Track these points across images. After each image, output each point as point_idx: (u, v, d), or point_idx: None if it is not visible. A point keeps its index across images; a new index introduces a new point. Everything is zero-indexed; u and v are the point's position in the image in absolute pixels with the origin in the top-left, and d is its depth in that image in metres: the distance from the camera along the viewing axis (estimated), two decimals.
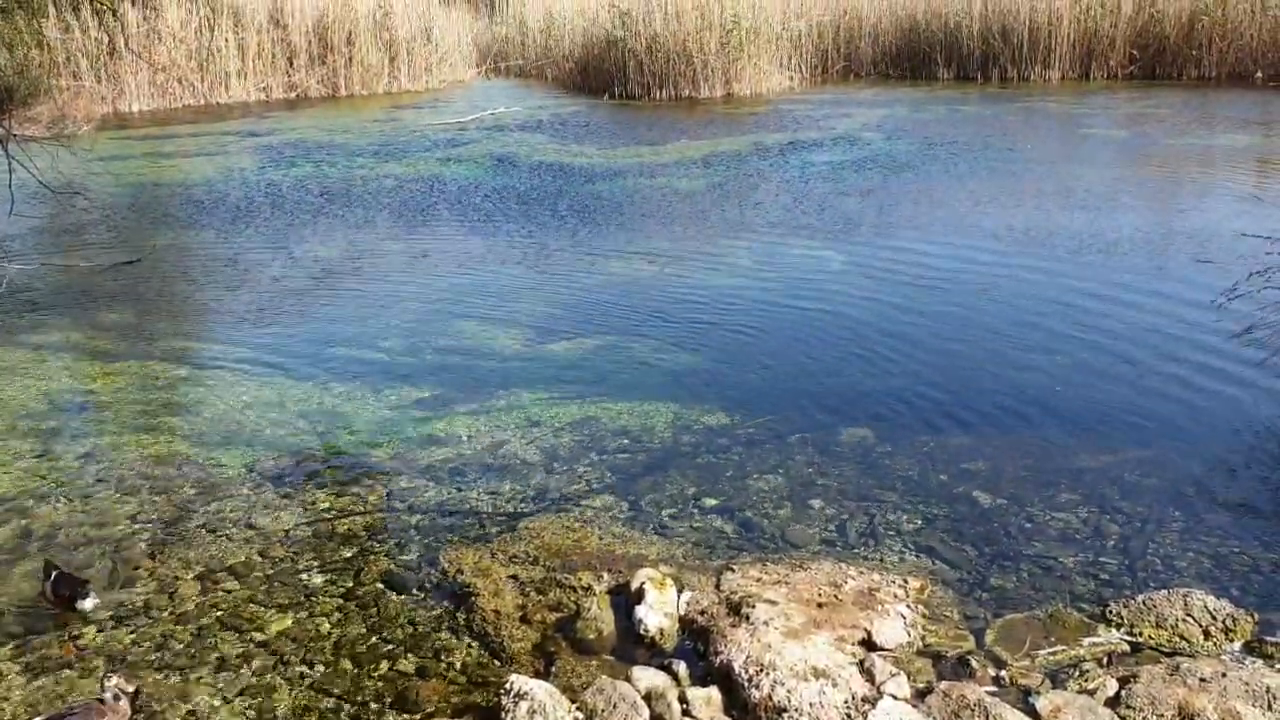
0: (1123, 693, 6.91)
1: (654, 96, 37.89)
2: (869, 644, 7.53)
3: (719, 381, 12.78)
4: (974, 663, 7.37)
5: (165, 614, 8.19)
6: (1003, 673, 7.28)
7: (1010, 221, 19.66)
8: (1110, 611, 7.91)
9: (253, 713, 7.10)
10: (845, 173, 24.61)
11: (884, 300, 15.53)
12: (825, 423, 11.50)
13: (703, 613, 7.98)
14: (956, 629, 7.86)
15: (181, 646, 7.83)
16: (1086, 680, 7.14)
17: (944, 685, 6.92)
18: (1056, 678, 7.26)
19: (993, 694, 6.84)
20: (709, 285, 16.58)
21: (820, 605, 7.92)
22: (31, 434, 11.48)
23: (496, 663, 7.67)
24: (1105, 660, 7.41)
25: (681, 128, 31.95)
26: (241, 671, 7.54)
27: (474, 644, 7.90)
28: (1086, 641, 7.61)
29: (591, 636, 7.87)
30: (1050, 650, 7.53)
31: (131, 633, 7.95)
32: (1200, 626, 7.63)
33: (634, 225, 20.49)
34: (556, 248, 19.07)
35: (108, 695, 6.79)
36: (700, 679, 7.31)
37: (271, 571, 8.83)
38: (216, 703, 7.22)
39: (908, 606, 7.96)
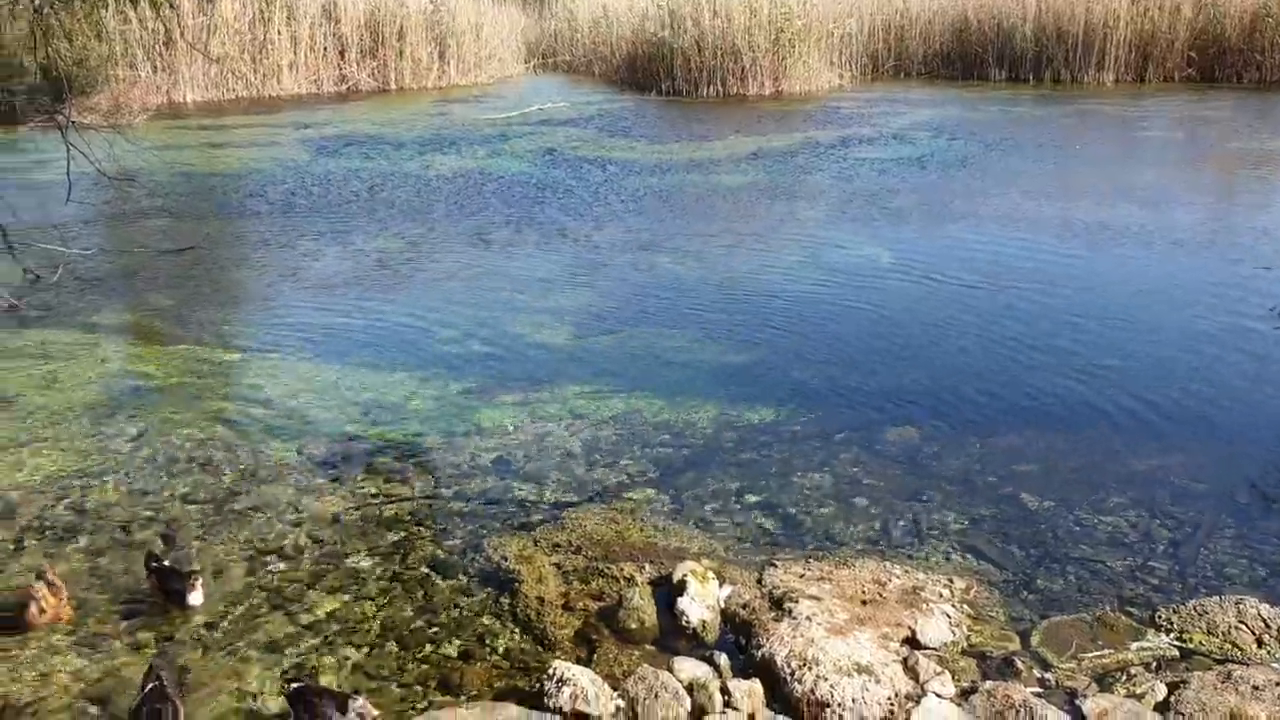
0: (1172, 698, 6.83)
1: (702, 93, 37.84)
2: (913, 642, 7.49)
3: (764, 378, 12.75)
4: (1019, 664, 7.31)
5: (214, 594, 8.31)
6: (1048, 674, 7.21)
7: (1064, 221, 19.43)
8: (1159, 616, 7.81)
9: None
10: (896, 170, 24.45)
11: (933, 298, 15.42)
12: (871, 421, 11.44)
13: (745, 607, 7.97)
14: (1002, 630, 7.80)
15: (229, 626, 7.95)
16: (1134, 684, 7.05)
17: (989, 685, 6.87)
18: (1103, 681, 7.18)
19: (1038, 695, 6.78)
20: (756, 281, 16.54)
21: (864, 602, 7.89)
22: (86, 414, 11.70)
23: (539, 648, 7.72)
24: (1154, 665, 7.32)
25: (730, 124, 31.89)
26: (288, 651, 7.63)
27: (517, 630, 7.95)
28: (1134, 646, 7.52)
29: (633, 626, 7.90)
30: (1097, 653, 7.44)
31: (180, 612, 8.07)
32: (1253, 634, 7.50)
33: (682, 220, 20.49)
34: (603, 241, 19.12)
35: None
36: (742, 671, 7.31)
37: (319, 554, 8.93)
38: (264, 683, 7.32)
39: (953, 606, 7.91)
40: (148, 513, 9.57)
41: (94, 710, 6.98)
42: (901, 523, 9.43)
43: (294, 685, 6.93)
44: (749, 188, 23.27)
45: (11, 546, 8.96)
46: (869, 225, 19.67)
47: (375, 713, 6.84)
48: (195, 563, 8.63)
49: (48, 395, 12.21)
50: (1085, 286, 15.80)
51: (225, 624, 7.96)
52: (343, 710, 6.63)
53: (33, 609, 7.74)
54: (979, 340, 13.70)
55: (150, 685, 6.63)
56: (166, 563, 8.29)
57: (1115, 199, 21.14)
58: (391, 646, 7.71)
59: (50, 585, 7.83)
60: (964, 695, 6.86)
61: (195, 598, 7.95)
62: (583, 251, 18.51)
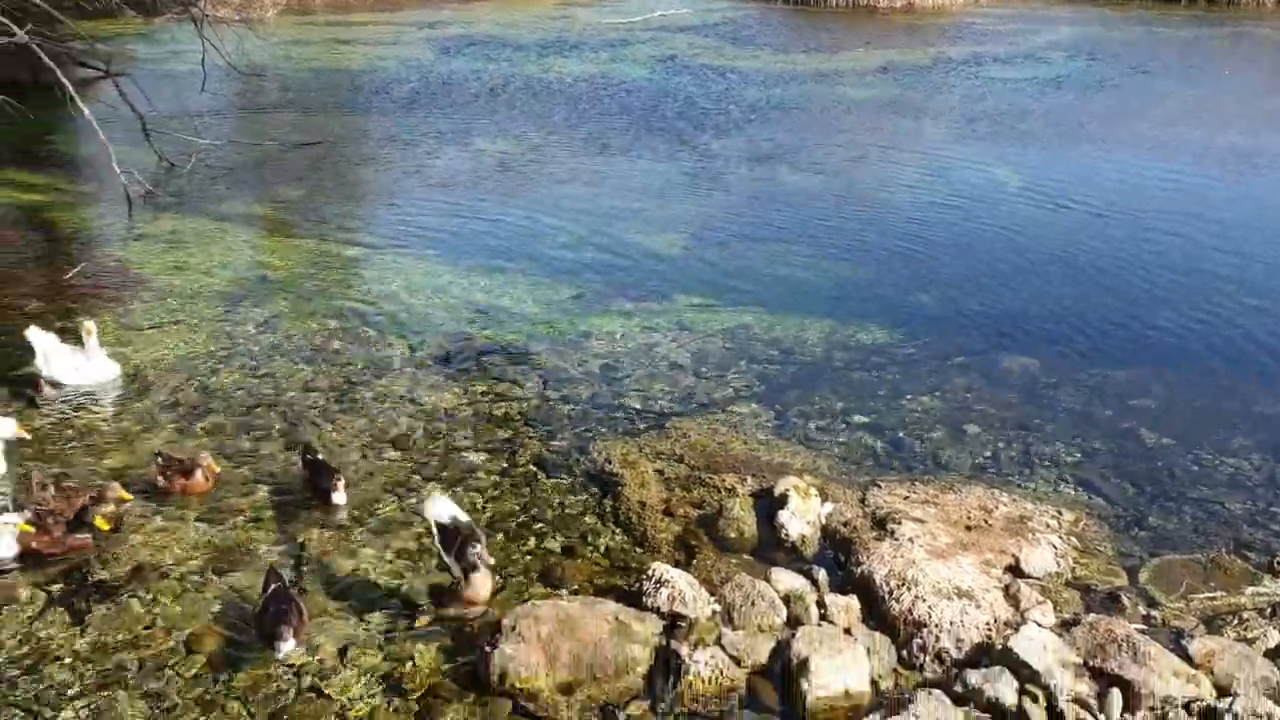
0: None
1: (830, 3, 36.68)
2: (1016, 570, 7.40)
3: (879, 298, 12.54)
4: (1125, 600, 7.17)
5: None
6: (1155, 612, 7.07)
7: (1206, 149, 18.45)
8: (1278, 562, 7.55)
9: (409, 574, 7.48)
10: (1030, 90, 23.45)
11: (1062, 224, 14.87)
12: (988, 348, 11.18)
13: (846, 524, 7.97)
14: (1109, 564, 7.65)
15: (346, 511, 8.26)
16: (1246, 629, 6.86)
17: (1092, 618, 6.76)
18: (1212, 624, 7.00)
19: (1143, 632, 6.65)
20: (878, 198, 16.19)
21: (968, 528, 7.81)
22: (215, 300, 12.16)
23: (639, 550, 7.86)
24: (1269, 611, 7.10)
25: (859, 36, 30.92)
26: (401, 534, 7.92)
27: (618, 531, 8.10)
28: (1249, 590, 7.30)
29: (732, 536, 7.97)
30: (1208, 595, 7.26)
31: (323, 507, 8.40)
32: None
33: (804, 132, 20.07)
34: (723, 151, 18.87)
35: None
36: (839, 588, 7.34)
37: (432, 447, 9.19)
38: (376, 563, 7.62)
39: (1060, 537, 7.77)
40: (270, 395, 9.95)
41: (216, 579, 7.38)
42: (1012, 452, 9.26)
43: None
44: (875, 102, 22.62)
45: (146, 421, 9.42)
46: (998, 146, 18.99)
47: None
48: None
49: (179, 279, 12.71)
50: (1225, 219, 15.04)
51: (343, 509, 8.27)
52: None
53: (199, 475, 8.21)
54: (1107, 270, 13.20)
55: (273, 586, 6.79)
56: (321, 457, 8.47)
57: (1266, 129, 19.94)
58: (498, 537, 7.93)
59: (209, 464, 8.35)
60: (1065, 626, 6.77)
61: (339, 497, 8.12)
62: (701, 161, 18.31)
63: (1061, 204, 15.77)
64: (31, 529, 7.32)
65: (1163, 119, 20.87)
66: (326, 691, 6.39)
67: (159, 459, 8.29)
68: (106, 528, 7.56)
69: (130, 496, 8.02)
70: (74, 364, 9.86)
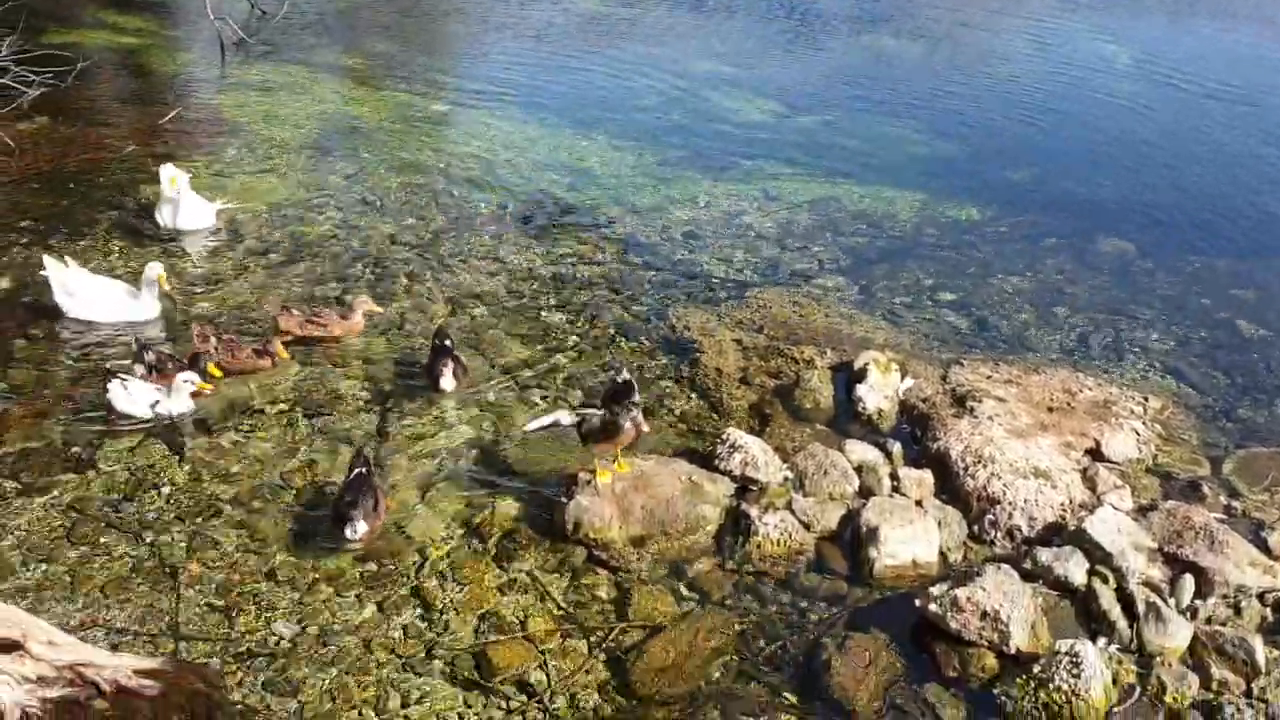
0: None
1: None
2: (1096, 454, 7.32)
3: (974, 174, 12.17)
4: (1206, 489, 7.07)
5: (417, 330, 8.81)
6: (1235, 503, 6.97)
7: None
8: None
9: (488, 423, 7.66)
10: None
11: (1172, 103, 14.19)
12: (1084, 230, 10.84)
13: (925, 400, 7.92)
14: (1192, 453, 7.52)
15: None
16: None
17: (1170, 504, 6.70)
18: None
19: (1222, 521, 6.57)
20: (979, 70, 15.56)
21: (1050, 410, 7.71)
22: (306, 149, 12.26)
23: (714, 416, 7.93)
24: None
25: None
26: (482, 388, 8.08)
27: (694, 396, 8.17)
28: None
29: (808, 406, 7.99)
30: None
31: (388, 342, 8.61)
32: None
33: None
34: (824, 13, 18.22)
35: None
36: (914, 461, 7.34)
37: (514, 304, 9.27)
38: (457, 412, 7.80)
39: (1143, 424, 7.64)
40: (359, 247, 10.09)
41: (307, 422, 7.63)
42: (1102, 336, 9.06)
43: None
44: None
45: (239, 267, 9.64)
46: (1112, 17, 18.04)
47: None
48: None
49: (270, 128, 12.81)
50: None
51: (424, 357, 8.43)
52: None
53: (357, 317, 8.57)
54: (1217, 153, 12.62)
55: (356, 471, 6.76)
56: (448, 343, 8.09)
57: None
58: (575, 396, 8.04)
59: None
60: (1142, 511, 6.72)
61: (446, 382, 7.95)
62: (798, 24, 17.73)
63: (1173, 82, 15.02)
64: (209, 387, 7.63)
65: None
66: (409, 532, 6.65)
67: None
68: (219, 374, 7.78)
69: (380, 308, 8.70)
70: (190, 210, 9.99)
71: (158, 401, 7.44)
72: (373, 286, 9.38)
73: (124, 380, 7.48)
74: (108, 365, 7.85)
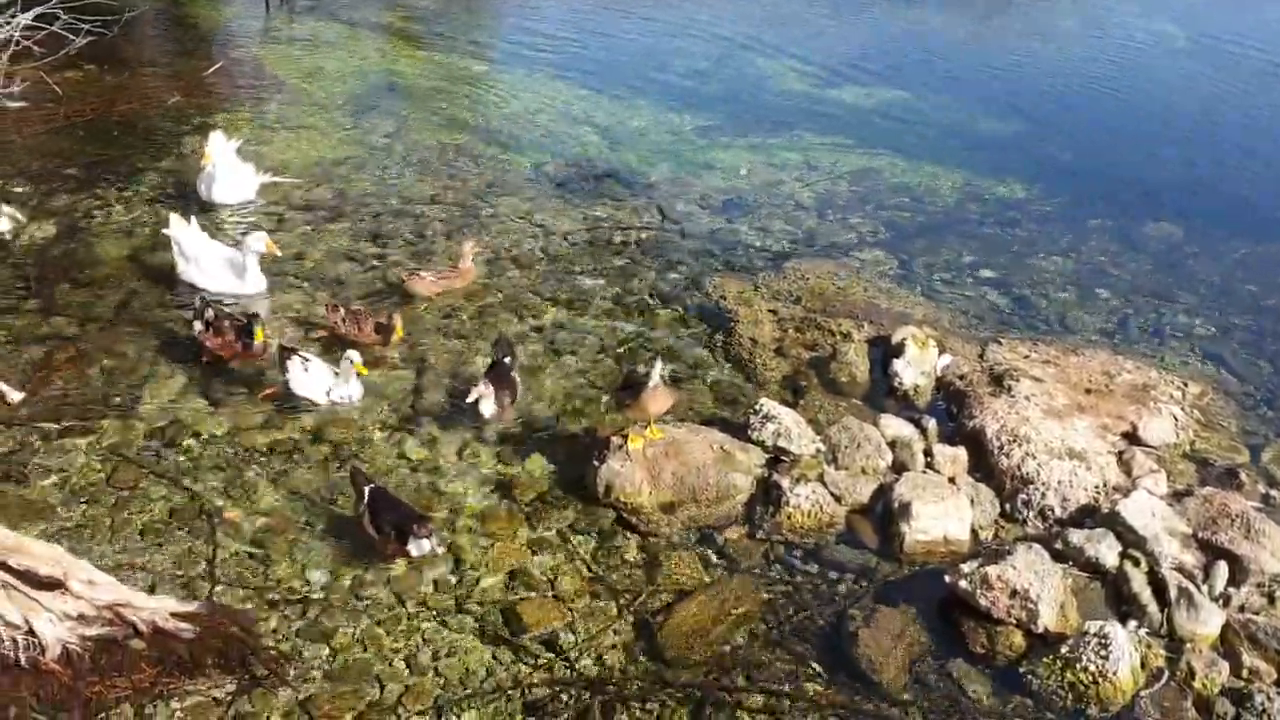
0: None
1: None
2: (1133, 438, 7.25)
3: (1019, 152, 12.01)
4: (1244, 476, 6.98)
5: (448, 289, 8.82)
6: (1274, 492, 6.89)
7: None
8: None
9: (522, 387, 7.67)
10: None
11: (1226, 86, 13.89)
12: (1129, 212, 10.69)
13: (962, 378, 7.87)
14: (1231, 440, 7.44)
15: (465, 320, 8.46)
16: None
17: (1207, 490, 6.64)
18: None
19: (1259, 510, 6.50)
20: (1026, 44, 15.31)
21: (1088, 391, 7.64)
22: (347, 107, 12.27)
23: (747, 385, 7.91)
24: None
25: None
26: (515, 352, 8.08)
27: (728, 365, 8.15)
28: None
29: (844, 380, 7.96)
30: None
31: (425, 301, 8.64)
32: None
33: None
34: None
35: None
36: (948, 438, 7.30)
37: (550, 268, 9.28)
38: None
39: (1182, 409, 7.56)
40: (397, 204, 10.11)
41: None
42: (1143, 319, 8.96)
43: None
44: None
45: (279, 221, 9.68)
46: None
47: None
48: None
49: (312, 84, 12.83)
50: None
51: (461, 315, 8.46)
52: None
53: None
54: (1270, 144, 12.37)
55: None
56: (507, 360, 7.39)
57: None
58: (609, 362, 8.06)
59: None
60: (1177, 497, 6.66)
61: (486, 407, 6.95)
62: None
63: (1229, 61, 14.73)
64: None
65: None
66: (442, 488, 6.70)
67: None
68: (260, 337, 7.47)
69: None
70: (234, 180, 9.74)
71: (331, 389, 7.13)
72: (411, 245, 9.41)
73: (305, 361, 7.17)
74: (283, 342, 7.50)
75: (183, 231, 8.48)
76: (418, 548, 5.96)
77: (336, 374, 7.19)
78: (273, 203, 9.94)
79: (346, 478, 6.48)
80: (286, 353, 7.22)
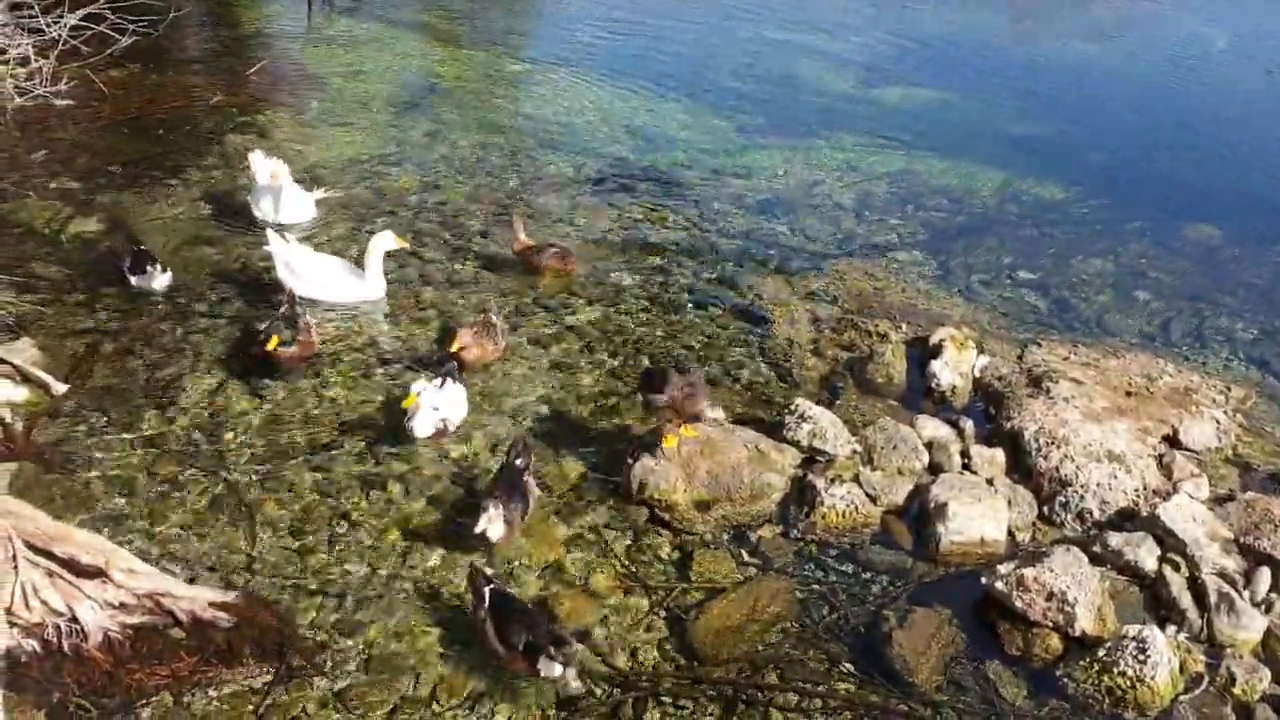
0: None
1: None
2: (1174, 442, 7.17)
3: (1059, 153, 11.89)
4: None
5: (486, 287, 8.87)
6: None
7: None
8: None
9: (556, 385, 7.70)
10: None
11: (1268, 90, 13.71)
12: (1170, 214, 10.56)
13: (1000, 379, 7.81)
14: (1276, 445, 7.34)
15: (505, 316, 8.49)
16: None
17: (1249, 495, 6.55)
18: None
19: None
20: (1067, 46, 15.17)
21: (1128, 394, 7.55)
22: (387, 105, 12.37)
23: (783, 385, 7.89)
24: None
25: None
26: (551, 350, 8.12)
27: (764, 365, 8.13)
28: None
29: (880, 380, 7.92)
30: None
31: (460, 298, 8.69)
32: None
33: None
34: None
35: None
36: (986, 440, 7.25)
37: (585, 267, 9.27)
38: (526, 372, 7.86)
39: (1224, 413, 7.46)
40: (435, 203, 10.18)
41: (381, 371, 7.76)
42: (1184, 322, 8.85)
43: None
44: None
45: (322, 218, 9.78)
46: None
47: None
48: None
49: (353, 83, 12.94)
50: None
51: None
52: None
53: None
54: None
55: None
56: (520, 462, 6.47)
57: None
58: (643, 360, 8.06)
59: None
60: (1218, 501, 6.57)
61: (493, 530, 5.96)
62: None
63: (1271, 64, 14.50)
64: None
65: None
66: (478, 485, 6.73)
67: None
68: (274, 345, 7.42)
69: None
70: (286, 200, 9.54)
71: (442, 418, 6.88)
72: (449, 245, 9.46)
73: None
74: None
75: (284, 247, 8.42)
76: (548, 669, 5.24)
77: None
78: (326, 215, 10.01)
79: (465, 579, 5.83)
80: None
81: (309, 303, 8.27)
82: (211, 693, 5.30)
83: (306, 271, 8.41)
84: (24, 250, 8.87)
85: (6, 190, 9.79)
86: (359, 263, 8.55)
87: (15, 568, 5.32)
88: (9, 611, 5.27)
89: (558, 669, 5.25)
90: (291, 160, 10.10)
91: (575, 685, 5.43)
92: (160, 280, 8.34)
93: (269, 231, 8.61)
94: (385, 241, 8.35)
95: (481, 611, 5.51)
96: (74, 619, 5.37)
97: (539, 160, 11.29)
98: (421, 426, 6.81)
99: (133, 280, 8.28)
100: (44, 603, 5.34)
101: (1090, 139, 12.26)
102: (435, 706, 5.35)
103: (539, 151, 11.49)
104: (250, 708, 5.25)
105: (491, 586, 5.59)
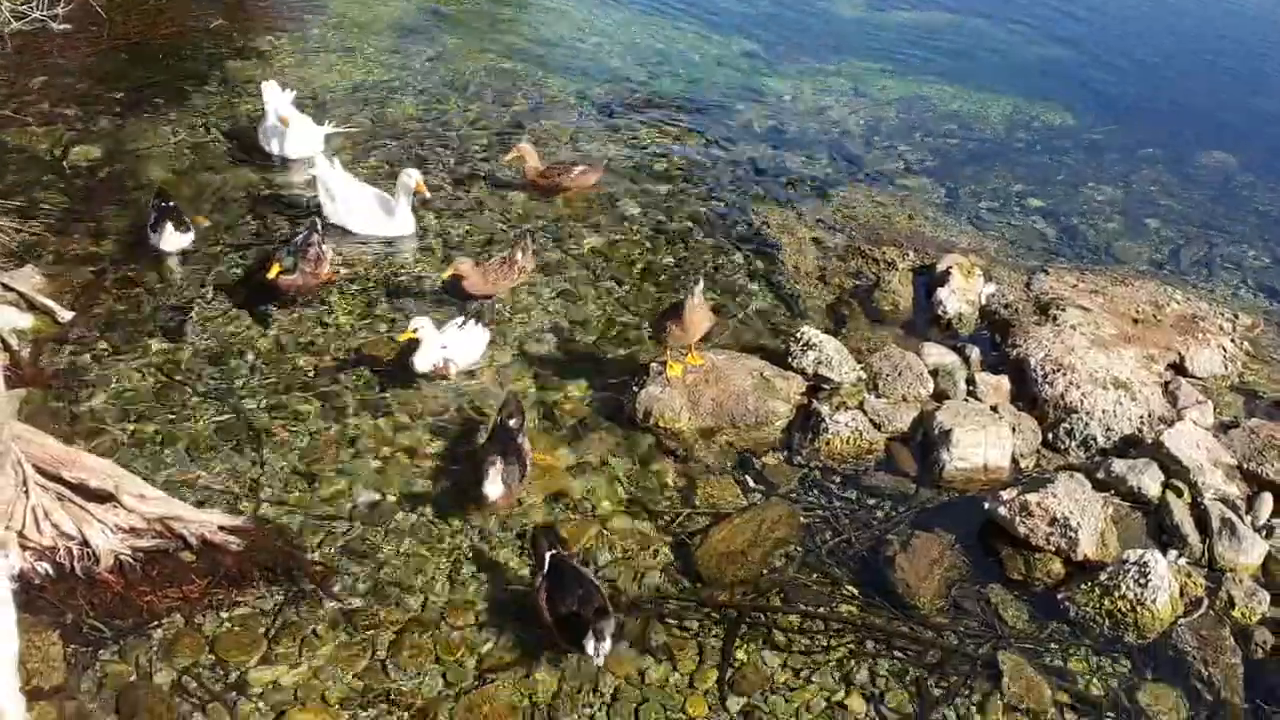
0: None
1: None
2: (1179, 369, 7.16)
3: (1073, 79, 11.71)
4: None
5: (495, 213, 8.82)
6: None
7: None
8: None
9: (562, 313, 7.69)
10: None
11: None
12: (1183, 140, 10.43)
13: (1007, 306, 7.78)
14: None
15: (507, 243, 8.45)
16: None
17: (1253, 422, 6.55)
18: None
19: None
20: None
21: (1135, 321, 7.53)
22: (388, 30, 12.17)
23: (789, 314, 7.87)
24: None
25: None
26: (555, 278, 8.09)
27: (769, 293, 8.10)
28: None
29: (887, 308, 7.90)
30: None
31: (466, 226, 8.64)
32: None
33: None
34: None
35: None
36: (991, 367, 7.25)
37: (590, 196, 9.19)
38: (533, 299, 7.84)
39: (1231, 340, 7.44)
40: (439, 130, 10.07)
41: (385, 299, 7.75)
42: (1194, 250, 8.78)
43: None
44: None
45: (343, 141, 9.67)
46: None
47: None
48: None
49: (355, 8, 12.71)
50: None
51: (501, 241, 8.46)
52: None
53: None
54: None
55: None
56: (512, 422, 6.28)
57: None
58: (649, 288, 8.03)
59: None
60: (1223, 429, 6.58)
61: (491, 488, 5.80)
62: None
63: None
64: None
65: None
66: (485, 411, 6.75)
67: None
68: (275, 272, 7.32)
69: None
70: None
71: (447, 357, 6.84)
72: (453, 171, 9.38)
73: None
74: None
75: (329, 173, 8.34)
76: (594, 648, 5.01)
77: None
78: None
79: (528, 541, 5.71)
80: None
81: (339, 232, 8.21)
82: (222, 614, 5.38)
83: (346, 199, 8.32)
84: (26, 177, 8.81)
85: (6, 117, 9.70)
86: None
87: (26, 491, 5.37)
88: (21, 534, 5.33)
89: (604, 648, 5.02)
90: (295, 88, 9.95)
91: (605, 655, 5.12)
92: (179, 240, 7.93)
93: (317, 156, 8.49)
94: (408, 179, 8.16)
95: (539, 577, 5.33)
96: (85, 542, 5.43)
97: (545, 85, 11.15)
98: (421, 361, 6.80)
99: (152, 239, 7.93)
100: (55, 526, 5.41)
101: (1102, 65, 12.07)
102: (443, 626, 5.42)
103: (545, 76, 11.34)
104: (261, 629, 5.33)
105: (554, 553, 5.40)
